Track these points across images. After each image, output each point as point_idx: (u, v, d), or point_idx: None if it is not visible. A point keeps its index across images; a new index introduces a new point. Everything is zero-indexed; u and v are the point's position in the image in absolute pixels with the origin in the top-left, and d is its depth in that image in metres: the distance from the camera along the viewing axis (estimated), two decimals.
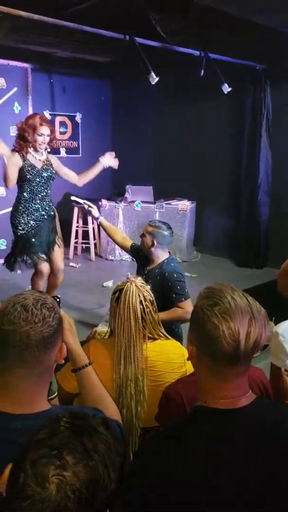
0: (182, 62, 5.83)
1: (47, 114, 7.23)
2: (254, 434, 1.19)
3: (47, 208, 4.41)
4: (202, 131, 6.95)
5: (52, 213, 4.50)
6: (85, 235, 6.90)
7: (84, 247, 7.04)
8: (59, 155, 7.45)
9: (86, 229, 6.81)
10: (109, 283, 5.54)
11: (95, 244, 6.86)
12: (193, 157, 6.99)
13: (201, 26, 5.72)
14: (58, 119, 7.41)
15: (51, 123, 4.60)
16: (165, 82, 5.50)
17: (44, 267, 4.42)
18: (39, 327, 1.19)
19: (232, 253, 6.87)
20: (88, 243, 6.82)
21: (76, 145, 7.65)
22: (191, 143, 7.06)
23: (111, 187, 7.82)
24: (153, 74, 5.28)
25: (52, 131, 4.33)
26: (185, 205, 6.76)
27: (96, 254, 6.86)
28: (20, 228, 4.31)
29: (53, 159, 4.47)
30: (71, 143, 7.60)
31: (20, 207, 4.29)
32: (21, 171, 4.18)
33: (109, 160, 4.54)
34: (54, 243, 4.49)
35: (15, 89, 6.29)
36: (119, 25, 5.15)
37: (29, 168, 4.19)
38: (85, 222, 6.83)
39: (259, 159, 6.35)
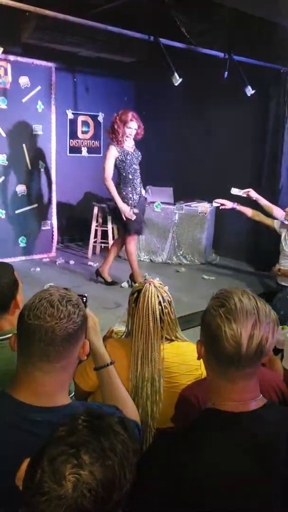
0: (205, 63, 5.80)
1: (70, 114, 7.27)
2: (262, 439, 1.19)
3: (139, 183, 5.25)
4: (224, 133, 6.91)
5: (141, 190, 5.34)
6: (104, 234, 6.91)
7: (102, 246, 7.06)
8: (80, 154, 7.50)
9: (105, 229, 6.82)
10: (126, 284, 5.56)
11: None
12: (214, 159, 6.95)
13: (225, 28, 5.70)
14: (80, 119, 7.44)
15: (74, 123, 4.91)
16: (188, 83, 5.49)
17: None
18: (64, 323, 1.21)
19: (251, 256, 6.82)
20: (107, 243, 6.82)
21: (98, 145, 7.67)
22: (213, 145, 7.03)
23: None
24: (176, 75, 5.28)
25: (140, 126, 5.17)
26: (205, 207, 6.73)
27: None
28: (131, 202, 5.11)
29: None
30: (93, 142, 7.63)
31: (129, 188, 5.12)
32: (120, 159, 5.04)
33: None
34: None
35: (38, 87, 6.33)
36: (144, 25, 5.15)
37: (127, 155, 5.07)
38: (105, 222, 6.84)
39: (281, 163, 6.30)
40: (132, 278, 5.51)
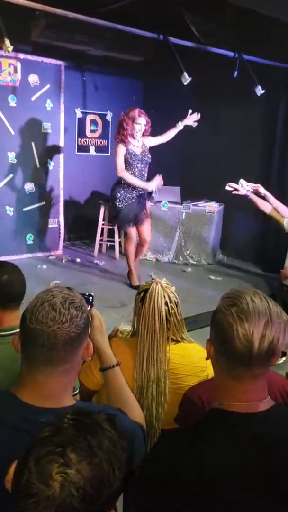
0: (214, 62, 5.78)
1: (78, 112, 7.28)
2: (269, 440, 1.18)
3: (141, 189, 5.28)
4: (232, 133, 6.88)
5: (144, 193, 5.37)
6: (111, 233, 6.92)
7: (109, 245, 7.06)
8: (88, 153, 7.50)
9: (112, 227, 6.82)
10: None
11: (119, 243, 6.87)
12: (222, 159, 6.93)
13: (236, 27, 5.68)
14: (89, 117, 7.44)
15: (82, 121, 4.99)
16: (197, 82, 5.48)
17: (132, 233, 5.42)
18: (66, 327, 1.19)
19: (258, 257, 6.79)
20: (113, 241, 6.83)
21: (106, 144, 7.68)
22: (221, 144, 7.00)
23: None
24: (185, 74, 5.27)
25: (148, 122, 5.24)
26: (213, 207, 6.71)
27: (120, 252, 6.85)
28: (118, 201, 5.25)
29: (147, 140, 5.35)
30: (101, 141, 7.63)
31: (122, 185, 5.23)
32: (125, 158, 5.15)
33: (188, 121, 5.53)
34: (143, 217, 5.42)
35: (48, 86, 6.34)
36: (153, 24, 5.15)
37: (131, 155, 5.13)
38: (111, 221, 6.84)
39: None
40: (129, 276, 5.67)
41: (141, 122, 5.14)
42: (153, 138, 5.44)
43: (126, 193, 5.24)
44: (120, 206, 5.27)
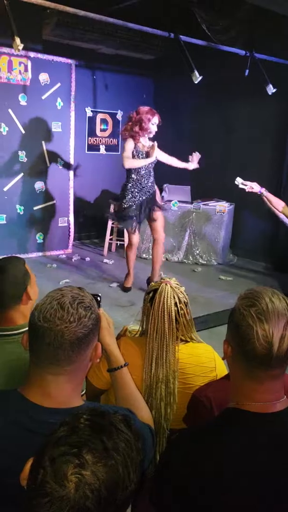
0: (225, 61, 5.75)
1: (88, 111, 7.28)
2: (284, 440, 1.17)
3: (149, 185, 5.12)
4: (244, 132, 6.85)
5: (152, 191, 5.22)
6: (120, 232, 6.91)
7: (118, 244, 7.06)
8: (98, 152, 7.50)
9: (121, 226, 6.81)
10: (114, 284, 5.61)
11: None
12: (233, 158, 6.91)
13: (247, 25, 5.64)
14: (99, 116, 7.44)
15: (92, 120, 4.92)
16: (207, 81, 5.45)
17: (135, 239, 5.24)
18: (74, 327, 1.18)
19: (269, 257, 6.75)
20: (123, 241, 6.82)
21: (116, 143, 7.68)
22: (232, 143, 6.98)
23: None
24: (196, 73, 5.24)
25: (159, 121, 5.03)
26: (223, 206, 6.68)
27: None
28: (125, 201, 5.10)
29: (157, 151, 5.14)
30: (111, 140, 7.63)
31: (129, 185, 5.07)
32: (132, 155, 4.98)
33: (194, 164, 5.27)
34: (152, 215, 5.23)
35: (58, 84, 6.34)
36: (164, 22, 5.13)
37: (138, 154, 4.98)
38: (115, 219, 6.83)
39: None
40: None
41: (156, 121, 4.96)
42: (163, 154, 5.20)
43: (134, 195, 5.07)
44: (125, 206, 5.10)
